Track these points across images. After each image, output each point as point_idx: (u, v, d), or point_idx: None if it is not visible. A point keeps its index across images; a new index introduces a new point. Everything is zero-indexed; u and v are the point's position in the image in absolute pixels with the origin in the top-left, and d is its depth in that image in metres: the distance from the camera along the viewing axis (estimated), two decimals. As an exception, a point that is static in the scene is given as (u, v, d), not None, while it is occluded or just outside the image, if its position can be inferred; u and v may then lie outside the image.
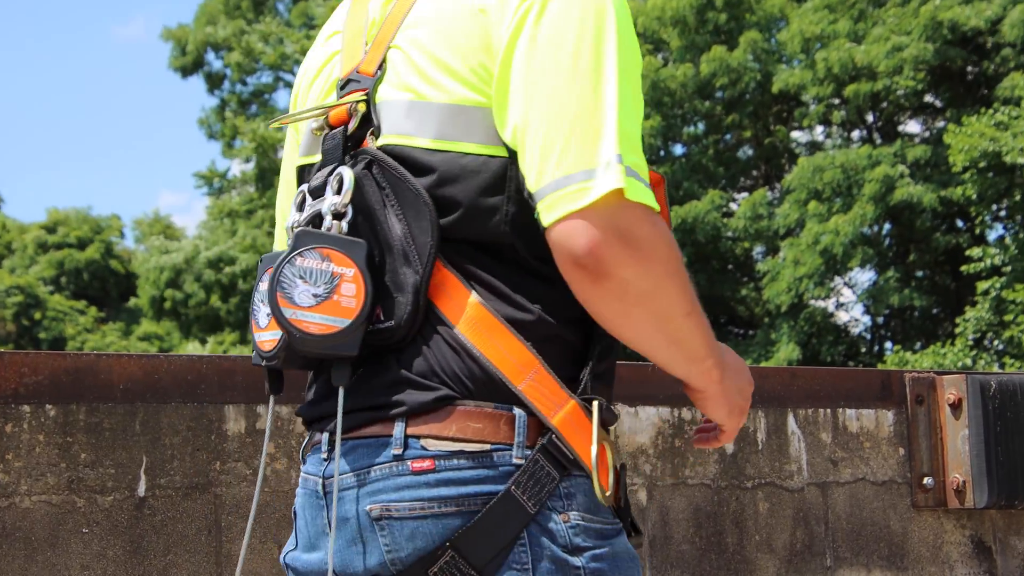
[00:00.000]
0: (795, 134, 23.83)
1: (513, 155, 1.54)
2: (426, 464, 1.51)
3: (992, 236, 20.16)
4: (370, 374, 1.55)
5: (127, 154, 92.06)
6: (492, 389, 1.53)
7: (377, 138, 1.59)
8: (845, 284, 22.19)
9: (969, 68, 21.04)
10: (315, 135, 1.65)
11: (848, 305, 24.26)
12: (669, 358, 1.60)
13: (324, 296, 1.51)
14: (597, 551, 1.54)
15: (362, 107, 1.59)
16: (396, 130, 1.58)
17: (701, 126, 23.30)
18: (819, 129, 23.19)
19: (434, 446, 1.52)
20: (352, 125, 1.60)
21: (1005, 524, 3.22)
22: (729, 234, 21.25)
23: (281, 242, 1.79)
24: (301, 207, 1.62)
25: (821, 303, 21.23)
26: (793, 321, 20.30)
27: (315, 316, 1.51)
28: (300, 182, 1.69)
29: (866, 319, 22.78)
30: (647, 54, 22.09)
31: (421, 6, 1.63)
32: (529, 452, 1.52)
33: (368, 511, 1.51)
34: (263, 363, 1.58)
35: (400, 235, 1.54)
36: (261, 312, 1.57)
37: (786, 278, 19.85)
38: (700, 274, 21.27)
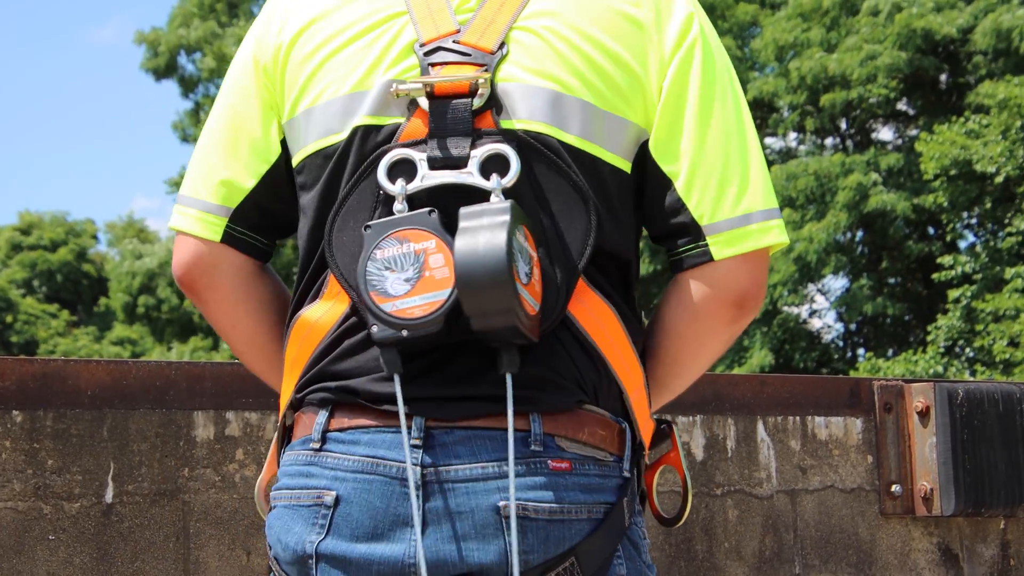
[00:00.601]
0: (769, 140, 23.93)
1: (637, 175, 1.56)
2: (564, 465, 1.47)
3: (964, 244, 20.29)
4: (491, 364, 1.46)
5: (102, 158, 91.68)
6: (611, 399, 1.53)
7: (499, 117, 1.51)
8: (818, 291, 22.29)
9: (942, 76, 21.19)
10: (394, 96, 1.51)
11: (821, 312, 24.40)
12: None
13: (529, 277, 1.44)
14: (654, 566, 1.59)
15: (487, 84, 1.50)
16: (537, 117, 1.52)
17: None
18: (792, 136, 23.30)
19: (570, 448, 1.48)
20: (479, 102, 1.50)
21: (972, 532, 3.24)
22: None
23: (215, 191, 1.62)
24: (395, 174, 1.49)
25: (794, 309, 21.33)
26: (766, 327, 20.38)
27: (528, 296, 1.44)
28: (365, 142, 1.53)
29: (839, 326, 22.90)
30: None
31: None
32: (629, 465, 1.54)
33: (500, 507, 1.44)
34: (403, 333, 1.43)
35: (548, 227, 1.50)
36: (391, 280, 1.44)
37: (760, 285, 19.92)
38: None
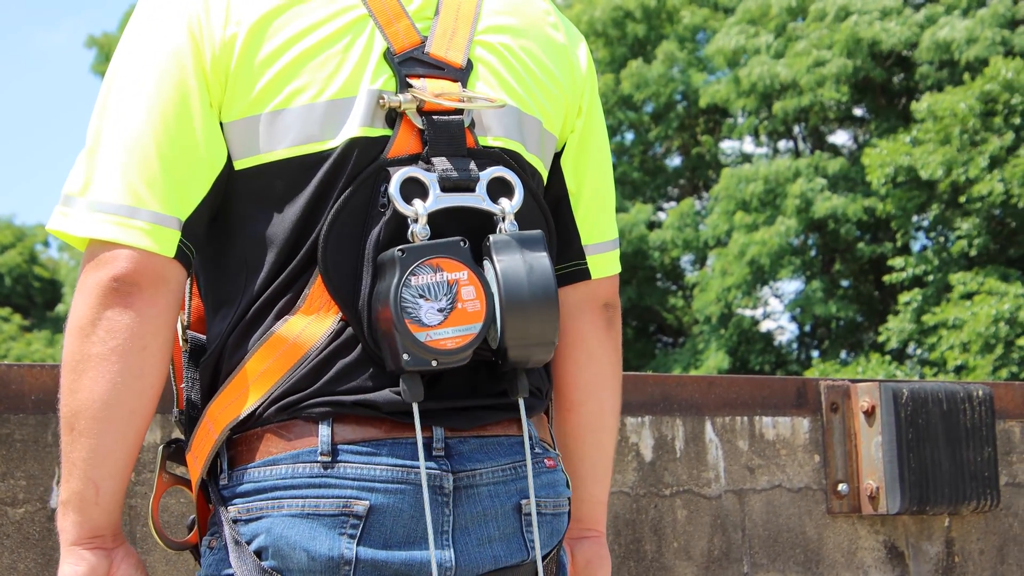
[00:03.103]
0: (724, 144, 24.05)
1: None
2: (552, 463, 1.57)
3: (917, 246, 20.45)
4: (484, 374, 1.51)
5: (51, 162, 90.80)
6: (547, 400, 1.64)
7: (476, 133, 1.54)
8: (773, 294, 22.43)
9: (894, 79, 21.36)
10: (381, 108, 1.50)
11: (775, 315, 24.56)
12: (613, 433, 1.73)
13: None
14: None
15: (470, 102, 1.52)
16: (512, 136, 1.57)
17: (630, 136, 23.44)
18: (748, 139, 23.42)
19: (549, 448, 1.59)
20: (467, 120, 1.53)
21: (917, 529, 3.28)
22: (657, 243, 21.40)
23: (165, 199, 1.47)
24: (407, 193, 1.46)
25: (749, 312, 21.44)
26: (723, 329, 20.47)
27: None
28: (362, 155, 1.49)
29: (793, 327, 23.05)
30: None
31: (494, 4, 1.61)
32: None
33: (522, 505, 1.51)
34: (433, 364, 1.42)
35: None
36: (425, 308, 1.43)
37: (714, 289, 20.02)
38: (627, 285, 21.38)
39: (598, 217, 1.68)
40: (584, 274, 1.67)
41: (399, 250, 1.43)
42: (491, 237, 1.47)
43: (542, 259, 1.45)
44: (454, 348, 1.43)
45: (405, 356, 1.42)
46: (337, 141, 1.49)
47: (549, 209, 1.63)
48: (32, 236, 36.00)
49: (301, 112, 1.49)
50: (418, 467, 1.45)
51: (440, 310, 1.42)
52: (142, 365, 1.47)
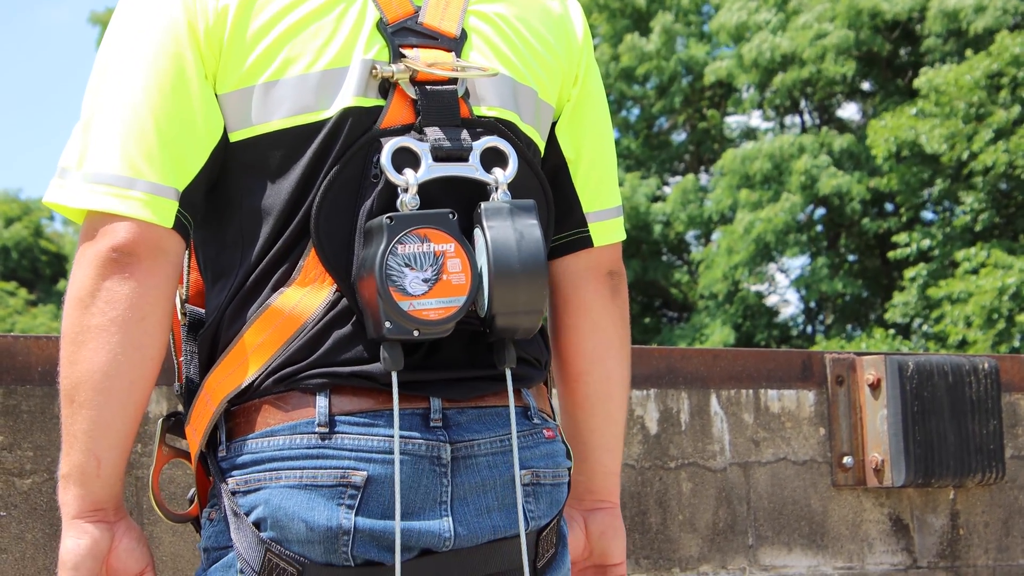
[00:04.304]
0: (731, 119, 23.95)
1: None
2: (551, 434, 1.57)
3: (927, 216, 20.36)
4: (481, 345, 1.51)
5: (55, 137, 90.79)
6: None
7: (471, 103, 1.53)
8: (779, 270, 22.40)
9: (901, 51, 21.25)
10: (374, 78, 1.49)
11: (781, 289, 24.53)
12: (622, 402, 1.72)
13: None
14: None
15: (463, 71, 1.51)
16: (507, 105, 1.56)
17: (636, 111, 23.36)
18: (756, 113, 23.33)
19: (548, 419, 1.59)
20: (461, 90, 1.52)
21: (922, 502, 3.29)
22: (660, 216, 21.36)
23: (163, 170, 1.46)
24: (398, 162, 1.46)
25: (754, 287, 21.42)
26: (728, 304, 20.46)
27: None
28: (355, 125, 1.49)
29: (799, 301, 23.02)
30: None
31: None
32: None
33: (520, 477, 1.50)
34: (416, 335, 1.43)
35: None
36: (410, 277, 1.43)
37: (721, 266, 19.99)
38: (633, 259, 21.35)
39: (599, 184, 1.68)
40: (586, 242, 1.66)
41: (387, 218, 1.43)
42: (483, 204, 1.46)
43: (532, 227, 1.45)
44: (436, 319, 1.43)
45: (387, 324, 1.42)
46: (331, 111, 1.48)
47: (548, 179, 1.62)
48: (38, 210, 36.00)
49: (295, 83, 1.48)
50: (416, 438, 1.46)
51: (425, 280, 1.42)
52: (142, 336, 1.46)
